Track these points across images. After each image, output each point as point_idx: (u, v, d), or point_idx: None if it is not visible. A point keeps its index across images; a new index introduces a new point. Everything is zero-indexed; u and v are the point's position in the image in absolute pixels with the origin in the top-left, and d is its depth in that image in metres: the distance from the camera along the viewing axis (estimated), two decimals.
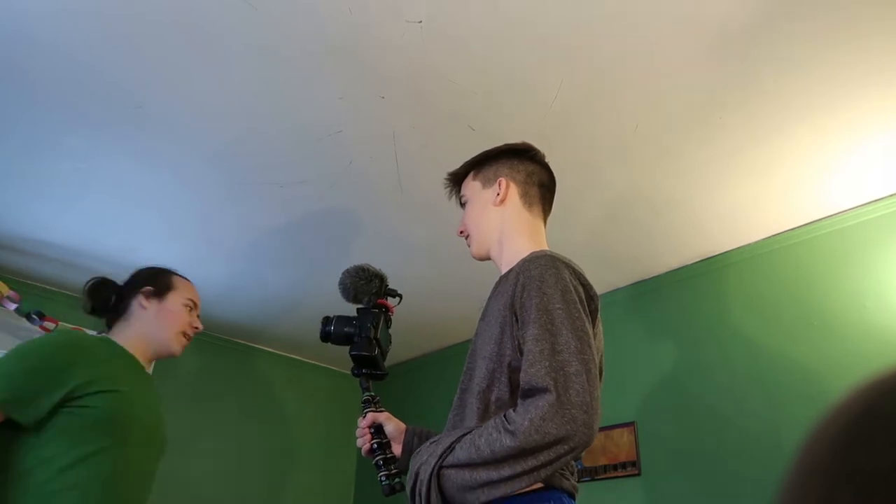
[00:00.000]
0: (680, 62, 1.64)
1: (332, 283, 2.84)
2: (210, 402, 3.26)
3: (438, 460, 1.06)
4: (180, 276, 1.78)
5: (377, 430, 1.34)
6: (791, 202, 2.18)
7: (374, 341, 1.39)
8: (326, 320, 1.45)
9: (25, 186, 2.19)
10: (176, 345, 1.67)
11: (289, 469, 3.43)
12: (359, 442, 1.35)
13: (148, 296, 1.66)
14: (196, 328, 1.73)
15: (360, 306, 1.46)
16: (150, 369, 1.68)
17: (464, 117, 1.85)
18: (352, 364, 1.42)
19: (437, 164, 2.02)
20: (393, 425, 1.36)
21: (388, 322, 1.46)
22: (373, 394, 1.40)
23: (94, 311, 1.67)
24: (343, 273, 1.49)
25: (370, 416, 1.35)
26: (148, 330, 1.64)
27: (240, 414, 3.34)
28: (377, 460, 1.30)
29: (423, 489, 1.06)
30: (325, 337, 1.44)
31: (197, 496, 3.05)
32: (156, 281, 1.70)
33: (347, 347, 1.42)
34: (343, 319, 1.44)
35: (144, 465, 1.56)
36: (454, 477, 1.03)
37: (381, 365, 1.41)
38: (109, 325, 1.67)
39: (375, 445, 1.31)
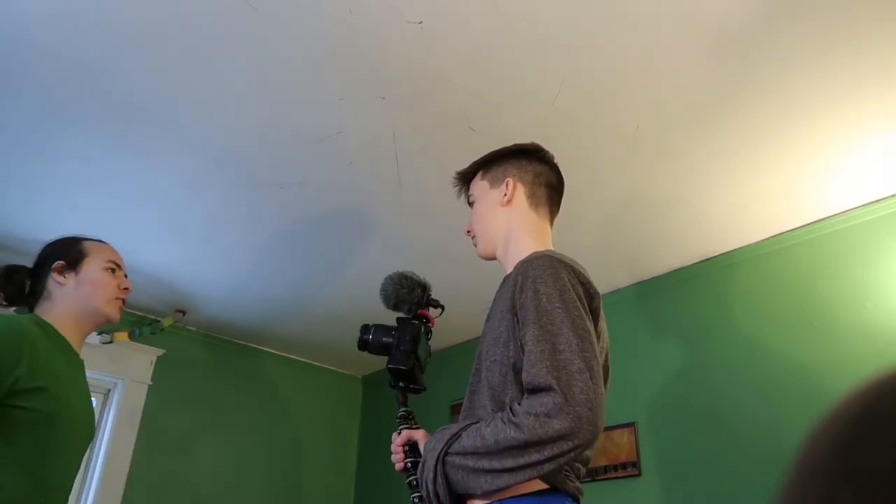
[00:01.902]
0: (680, 62, 1.64)
1: (333, 284, 2.87)
2: (211, 402, 3.26)
3: (444, 446, 1.07)
4: (92, 239, 1.66)
5: (412, 448, 1.27)
6: (791, 202, 2.18)
7: (413, 355, 1.33)
8: (365, 328, 1.39)
9: (26, 187, 2.19)
10: (111, 311, 1.58)
11: (290, 469, 3.43)
12: (393, 458, 1.29)
13: (61, 270, 1.56)
14: (126, 289, 1.63)
15: (400, 315, 1.40)
16: (81, 345, 1.58)
17: (464, 118, 1.85)
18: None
19: (438, 165, 2.02)
20: None
21: (428, 334, 1.40)
22: (409, 409, 1.33)
23: (11, 302, 1.57)
24: (385, 279, 1.43)
25: (405, 433, 1.28)
26: (73, 305, 1.54)
27: (241, 414, 3.34)
28: (410, 480, 1.23)
29: (430, 475, 1.07)
30: (363, 345, 1.38)
31: (198, 496, 3.05)
32: (65, 252, 1.59)
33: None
34: (382, 329, 1.38)
35: (71, 457, 1.47)
36: (458, 463, 1.05)
37: (419, 379, 1.36)
38: (31, 308, 1.57)
39: (409, 465, 1.25)
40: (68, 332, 1.54)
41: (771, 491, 1.85)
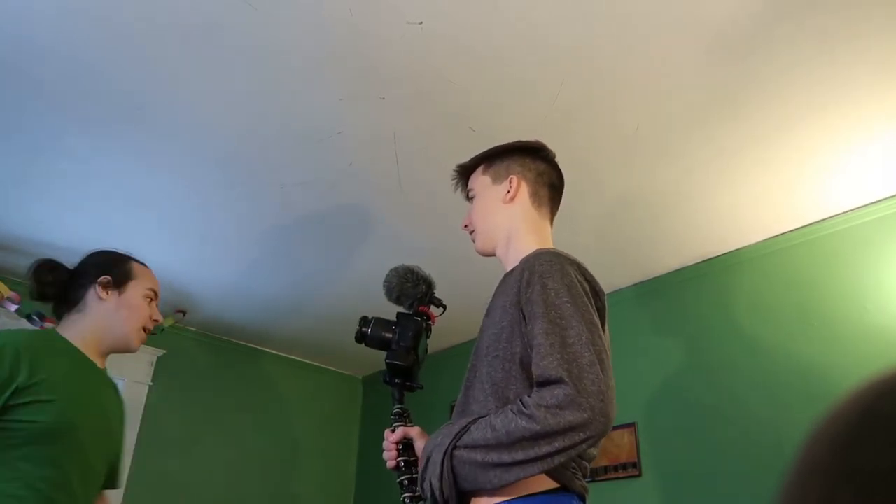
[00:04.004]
0: (680, 62, 1.64)
1: (334, 284, 2.87)
2: (211, 402, 3.26)
3: (453, 440, 1.04)
4: (139, 262, 1.63)
5: (406, 446, 1.24)
6: (791, 203, 2.18)
7: (413, 351, 1.31)
8: (364, 321, 1.35)
9: (27, 187, 2.19)
10: (136, 340, 1.54)
11: (290, 469, 3.43)
12: (385, 455, 1.26)
13: (106, 286, 1.51)
14: (156, 321, 1.59)
15: (401, 311, 1.38)
16: (104, 364, 1.55)
17: (464, 118, 1.85)
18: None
19: (438, 165, 2.02)
20: (424, 443, 1.23)
21: (428, 332, 1.37)
22: (404, 407, 1.31)
23: (42, 297, 1.50)
24: (390, 272, 1.41)
25: (400, 431, 1.25)
26: (106, 324, 1.50)
27: (241, 414, 3.35)
28: (402, 479, 1.21)
29: (437, 471, 1.03)
30: (361, 338, 1.35)
31: (198, 496, 3.05)
32: (114, 269, 1.55)
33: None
34: (382, 323, 1.34)
35: (91, 466, 1.41)
36: (466, 457, 1.02)
37: (416, 376, 1.33)
38: (59, 316, 1.52)
39: (402, 463, 1.22)
40: (89, 349, 1.48)
41: (771, 491, 1.85)
